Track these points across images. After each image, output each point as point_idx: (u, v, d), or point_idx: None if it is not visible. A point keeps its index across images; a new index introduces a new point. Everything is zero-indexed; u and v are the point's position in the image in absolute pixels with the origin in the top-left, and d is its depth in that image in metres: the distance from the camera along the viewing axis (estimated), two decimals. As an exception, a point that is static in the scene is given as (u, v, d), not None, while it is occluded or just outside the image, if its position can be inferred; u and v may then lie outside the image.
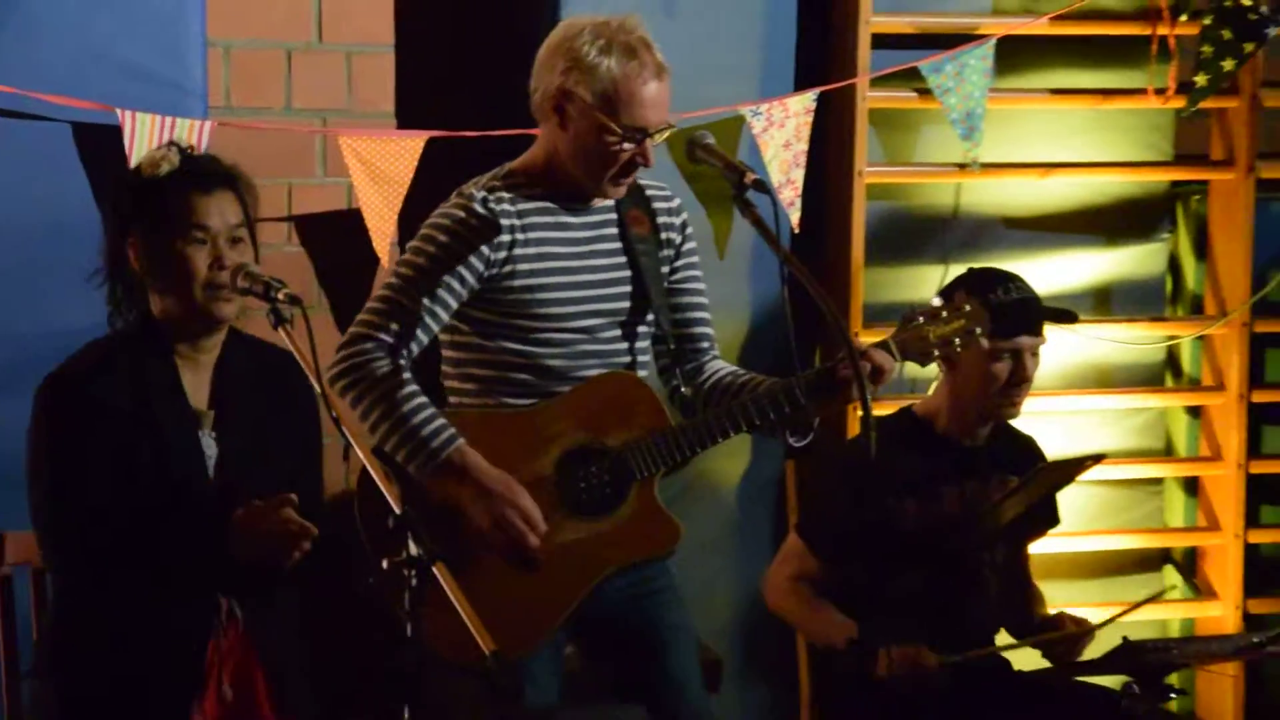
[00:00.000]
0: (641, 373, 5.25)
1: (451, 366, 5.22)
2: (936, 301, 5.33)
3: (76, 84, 5.91)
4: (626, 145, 5.01)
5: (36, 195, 5.87)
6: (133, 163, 5.55)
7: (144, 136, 5.79)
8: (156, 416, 4.86)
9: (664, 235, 5.26)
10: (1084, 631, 5.66)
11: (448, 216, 5.07)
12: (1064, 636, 5.67)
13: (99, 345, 4.94)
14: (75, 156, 5.93)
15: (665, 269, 5.26)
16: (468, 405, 5.16)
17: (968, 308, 5.19)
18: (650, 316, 5.24)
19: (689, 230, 5.33)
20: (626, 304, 5.21)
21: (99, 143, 5.89)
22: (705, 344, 5.34)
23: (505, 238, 5.04)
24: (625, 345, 5.25)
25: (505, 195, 5.10)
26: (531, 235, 5.09)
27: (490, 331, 5.14)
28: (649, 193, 5.26)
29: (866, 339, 6.33)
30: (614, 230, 5.21)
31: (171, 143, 5.06)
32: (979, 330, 5.20)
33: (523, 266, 5.08)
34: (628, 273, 5.21)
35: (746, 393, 5.15)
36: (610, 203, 5.20)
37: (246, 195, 4.92)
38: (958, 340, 5.17)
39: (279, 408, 5.01)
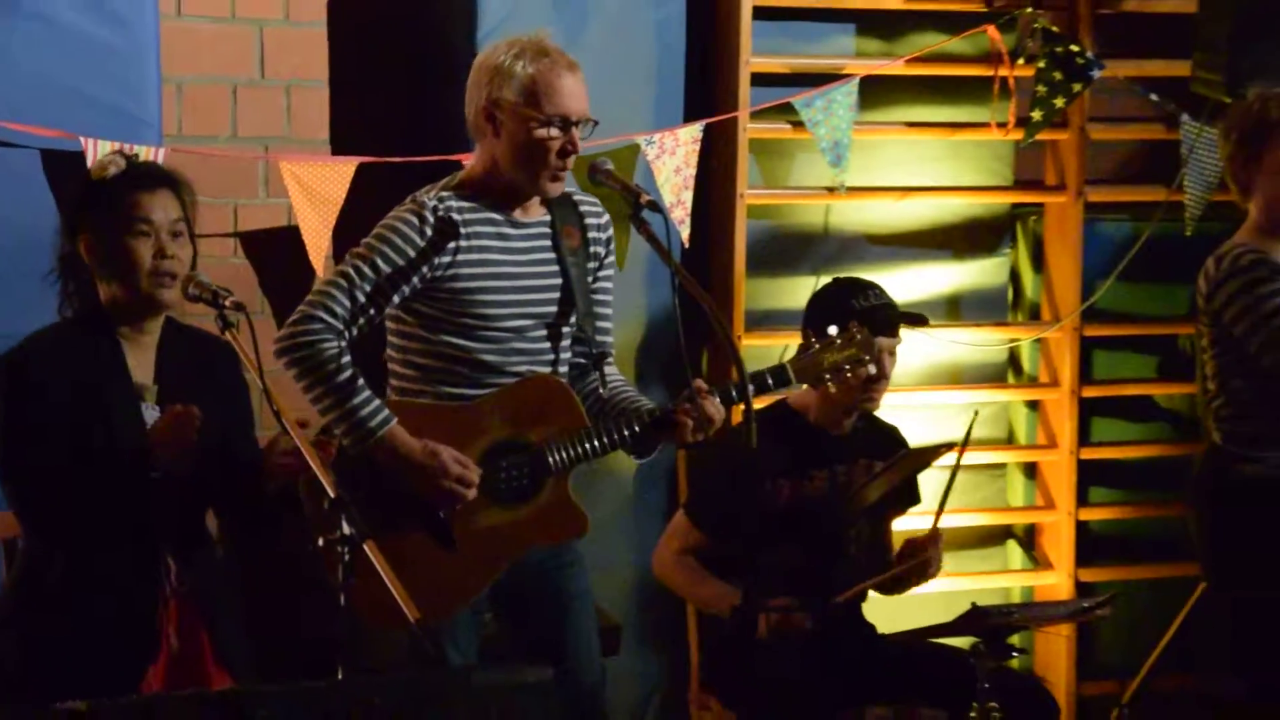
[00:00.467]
0: (561, 370, 5.21)
1: (396, 353, 5.17)
2: (832, 330, 5.30)
3: (45, 115, 5.85)
4: (554, 133, 4.99)
5: (5, 214, 5.80)
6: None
7: (103, 158, 5.65)
8: (102, 389, 4.82)
9: (592, 248, 5.23)
10: (929, 542, 5.70)
11: (400, 218, 5.03)
12: (914, 555, 5.73)
13: (46, 331, 4.94)
14: (43, 180, 5.83)
15: (590, 279, 5.21)
16: (410, 394, 5.13)
17: (859, 337, 5.25)
18: (574, 320, 5.18)
19: (612, 245, 5.29)
20: (555, 309, 5.16)
21: (65, 168, 5.80)
22: (603, 350, 5.28)
23: (451, 242, 5.01)
24: (550, 345, 5.19)
25: (454, 203, 5.05)
26: (475, 242, 5.05)
27: (432, 325, 5.08)
28: (582, 208, 5.23)
29: (749, 342, 6.51)
30: (548, 242, 5.16)
31: (118, 151, 5.18)
32: (867, 358, 5.27)
33: (465, 270, 5.03)
34: (558, 280, 5.16)
35: (621, 411, 5.18)
36: (546, 216, 5.16)
37: (185, 195, 4.90)
38: (848, 366, 5.23)
39: (214, 385, 4.97)
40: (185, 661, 4.81)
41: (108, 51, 5.95)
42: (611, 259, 5.30)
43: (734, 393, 5.06)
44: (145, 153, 5.75)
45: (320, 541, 4.31)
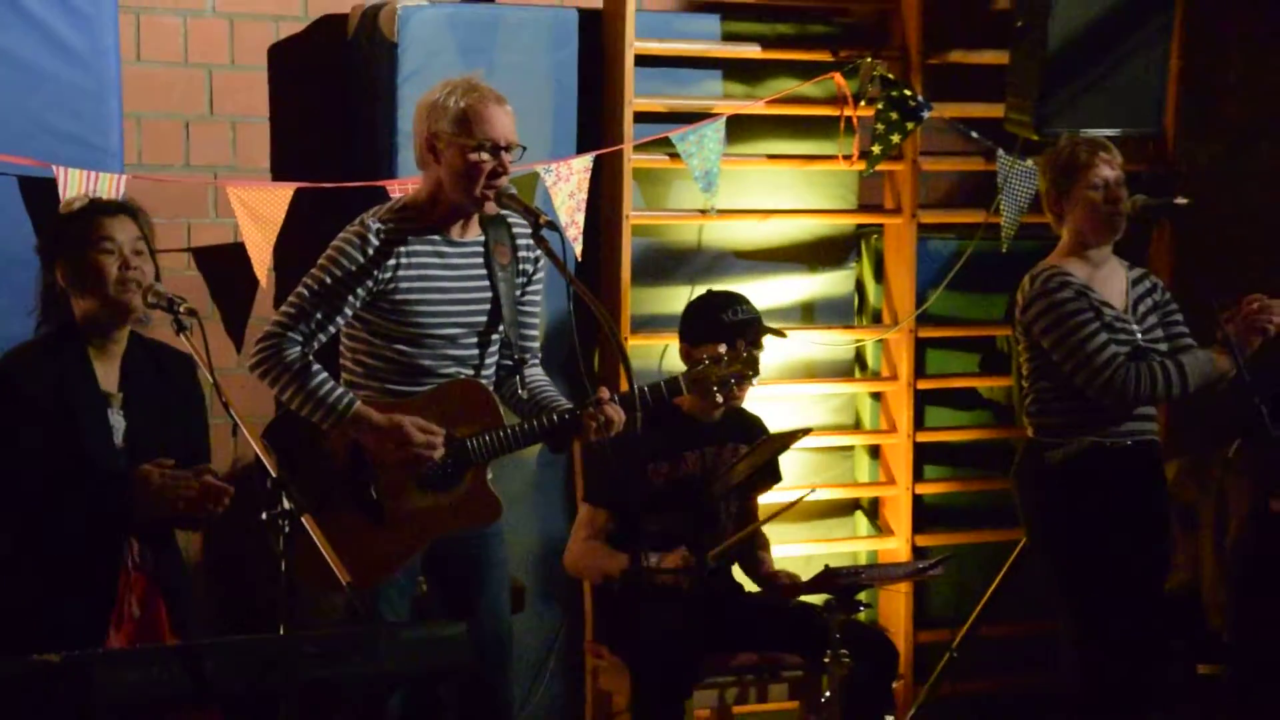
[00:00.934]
0: (486, 373, 5.23)
1: (347, 353, 5.20)
2: (722, 349, 5.42)
3: (20, 147, 5.80)
4: (485, 157, 5.02)
5: None
6: (61, 209, 5.44)
7: (74, 187, 5.72)
8: (71, 397, 4.80)
9: (521, 265, 5.25)
10: (791, 585, 5.70)
11: (347, 239, 5.08)
12: (779, 587, 5.75)
13: (23, 345, 4.93)
14: (20, 205, 5.78)
15: (518, 292, 5.23)
16: (356, 388, 5.13)
17: (744, 356, 5.35)
18: (502, 329, 5.20)
19: (541, 263, 5.30)
20: (484, 319, 5.18)
21: (39, 192, 5.76)
22: (530, 356, 5.33)
23: (391, 260, 5.04)
24: (479, 351, 5.20)
25: (394, 226, 5.08)
26: (414, 260, 5.08)
27: (376, 330, 5.11)
28: (515, 230, 5.24)
29: (634, 342, 6.52)
30: (481, 259, 5.18)
31: (85, 194, 5.39)
32: (751, 374, 5.37)
33: (404, 284, 5.06)
34: (489, 294, 5.17)
35: (538, 409, 5.22)
36: (480, 236, 5.18)
37: (142, 220, 4.92)
38: (733, 380, 5.33)
39: (173, 392, 4.98)
40: (145, 627, 4.78)
41: (76, 90, 5.89)
42: (540, 275, 5.32)
43: (630, 398, 4.98)
44: (109, 179, 5.76)
45: (264, 515, 4.32)
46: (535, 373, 5.33)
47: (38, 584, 4.74)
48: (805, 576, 5.62)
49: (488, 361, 5.22)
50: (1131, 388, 5.45)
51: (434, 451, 5.00)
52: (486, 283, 5.17)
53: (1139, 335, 5.57)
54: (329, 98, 6.57)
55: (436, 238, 5.13)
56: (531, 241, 5.21)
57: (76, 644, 4.45)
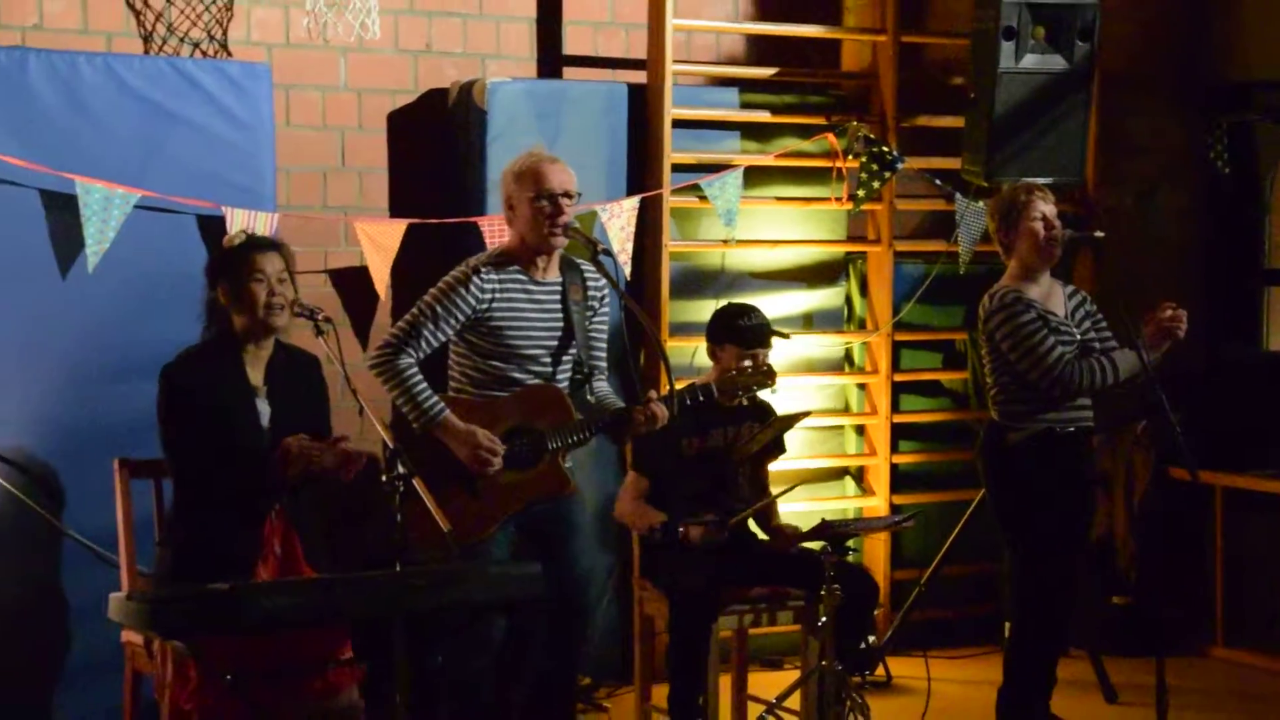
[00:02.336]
0: (560, 383, 5.23)
1: (454, 366, 5.20)
2: (747, 363, 5.40)
3: (198, 192, 5.83)
4: (545, 205, 5.04)
5: (172, 258, 5.75)
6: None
7: (238, 223, 5.74)
8: (229, 389, 4.84)
9: (590, 302, 5.25)
10: (793, 535, 5.61)
11: (456, 279, 5.12)
12: (784, 538, 5.65)
13: (194, 348, 4.93)
14: (197, 236, 5.82)
15: (585, 323, 5.23)
16: (461, 392, 5.15)
17: (765, 368, 5.36)
18: (572, 351, 5.20)
19: (607, 300, 5.31)
20: (557, 342, 5.19)
21: (212, 228, 5.80)
22: (597, 372, 5.32)
23: (488, 295, 5.07)
24: (552, 368, 5.20)
25: (492, 269, 5.12)
26: (506, 295, 5.10)
27: (475, 349, 5.14)
28: (586, 275, 5.26)
29: (671, 344, 6.52)
30: (558, 296, 5.19)
31: (241, 230, 5.35)
32: (770, 382, 5.38)
33: (497, 314, 5.09)
34: (562, 323, 5.18)
35: (601, 411, 5.23)
36: (559, 278, 5.20)
37: (285, 253, 4.93)
38: (754, 387, 5.35)
39: (304, 385, 5.00)
40: (285, 562, 4.77)
41: (240, 149, 5.92)
42: (605, 310, 5.31)
43: (671, 399, 5.11)
44: (265, 217, 5.79)
45: (383, 478, 4.33)
46: (602, 384, 5.32)
47: (208, 530, 4.75)
48: (805, 528, 5.57)
49: (560, 374, 5.20)
50: (1075, 380, 5.39)
51: (492, 459, 4.99)
52: (561, 314, 5.17)
53: (1078, 337, 5.52)
54: (433, 153, 6.55)
55: (523, 277, 5.14)
56: (600, 283, 5.25)
57: (235, 575, 4.51)
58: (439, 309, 5.06)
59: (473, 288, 5.05)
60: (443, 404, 5.01)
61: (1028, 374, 5.44)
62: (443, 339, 5.10)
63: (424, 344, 5.06)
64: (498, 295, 5.07)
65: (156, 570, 4.88)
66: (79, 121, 5.66)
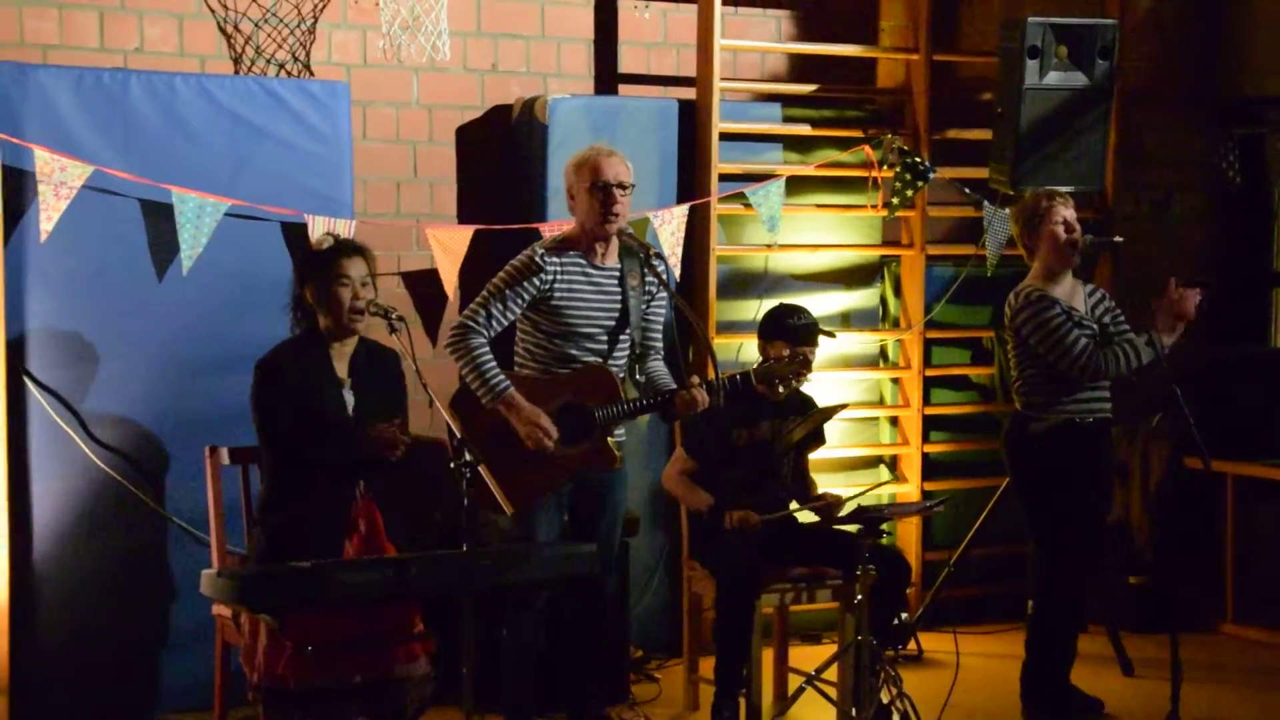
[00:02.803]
0: (616, 361, 5.18)
1: (519, 344, 5.18)
2: (785, 352, 5.37)
3: (282, 200, 5.84)
4: (599, 191, 5.03)
5: (259, 261, 5.76)
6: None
7: (319, 229, 5.72)
8: (318, 381, 4.85)
9: (646, 288, 5.20)
10: (836, 501, 5.61)
11: (520, 262, 5.08)
12: (825, 504, 5.64)
13: (286, 342, 4.95)
14: (282, 240, 5.82)
15: (643, 307, 5.19)
16: (525, 369, 5.13)
17: (801, 359, 5.32)
18: (628, 332, 5.16)
19: (662, 290, 5.25)
20: (614, 323, 5.14)
21: (295, 233, 5.81)
22: (652, 352, 5.27)
23: (549, 277, 5.03)
24: (608, 347, 5.15)
25: (554, 253, 5.08)
26: (566, 277, 5.06)
27: (538, 327, 5.10)
28: (643, 268, 5.20)
29: (718, 340, 6.49)
30: (616, 280, 5.15)
31: (329, 232, 5.20)
32: (805, 372, 5.36)
33: (559, 295, 5.05)
34: (619, 306, 5.14)
35: (649, 390, 5.20)
36: (618, 264, 5.15)
37: (369, 257, 4.93)
38: (791, 376, 5.31)
39: (384, 377, 4.99)
40: (369, 539, 4.78)
41: (320, 160, 5.93)
42: (663, 295, 5.26)
43: (714, 384, 5.08)
44: (343, 224, 5.78)
45: (452, 464, 4.34)
46: (655, 364, 5.27)
47: (300, 510, 4.78)
48: (844, 513, 5.57)
49: (616, 353, 5.16)
50: (1101, 366, 5.37)
51: (547, 441, 4.95)
52: (619, 297, 5.13)
53: (1096, 331, 5.48)
54: (498, 164, 6.56)
55: (583, 262, 5.09)
56: (659, 271, 5.21)
57: (325, 552, 4.59)
58: (506, 291, 5.03)
59: (536, 270, 5.02)
60: (509, 382, 4.99)
61: (1057, 364, 5.41)
62: (510, 318, 5.07)
63: (494, 323, 5.03)
64: (559, 278, 5.04)
65: (252, 548, 4.90)
66: (175, 136, 5.69)
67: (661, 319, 5.31)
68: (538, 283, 5.02)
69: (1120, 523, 6.94)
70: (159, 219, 5.62)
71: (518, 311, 5.06)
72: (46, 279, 5.52)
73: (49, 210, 5.42)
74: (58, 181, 5.42)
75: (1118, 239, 6.05)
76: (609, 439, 5.09)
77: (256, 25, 6.02)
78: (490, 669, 4.91)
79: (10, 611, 5.39)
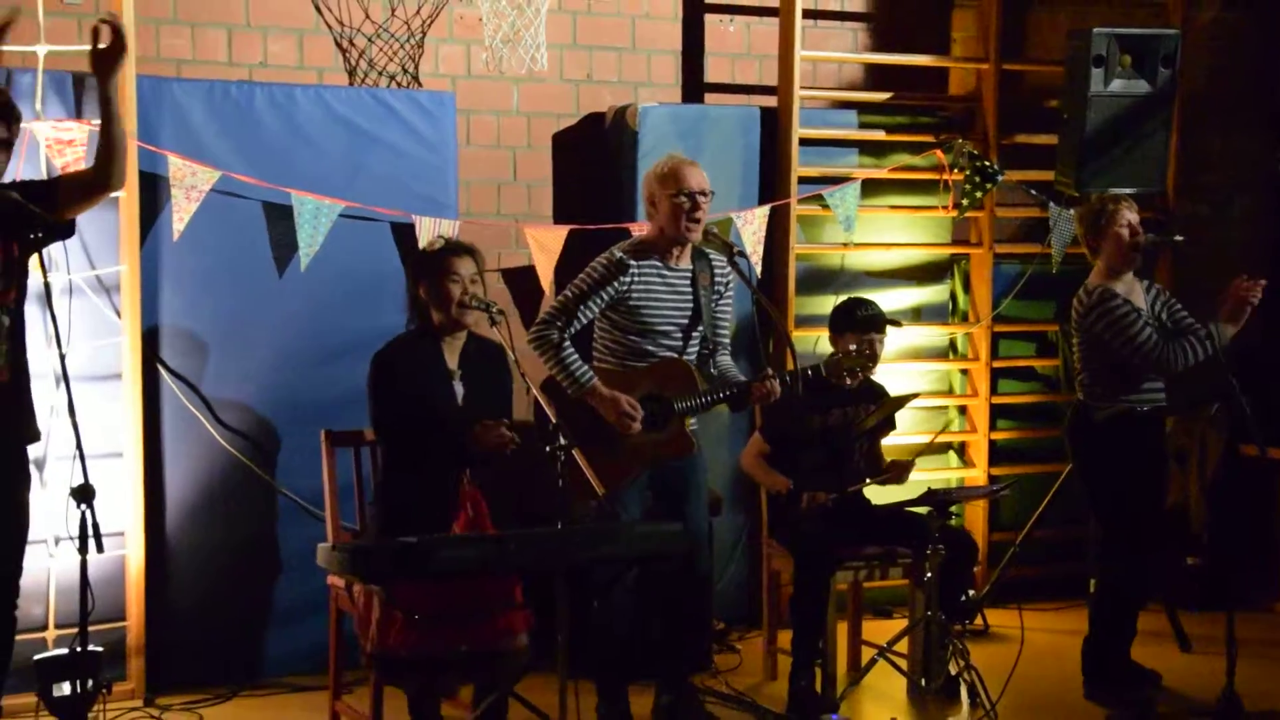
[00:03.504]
0: (689, 356, 5.17)
1: (597, 340, 5.17)
2: (852, 346, 5.34)
3: (392, 203, 5.87)
4: (684, 201, 5.01)
5: (370, 259, 5.81)
6: (420, 245, 5.56)
7: (427, 230, 5.77)
8: (430, 373, 4.86)
9: (716, 287, 5.19)
10: (906, 465, 5.63)
11: (601, 263, 5.08)
12: (895, 469, 5.64)
13: (401, 337, 4.97)
14: (392, 240, 5.85)
15: (712, 305, 5.17)
16: (603, 363, 5.12)
17: (866, 352, 5.30)
18: (700, 329, 5.15)
19: (731, 287, 5.25)
20: (687, 321, 5.14)
21: (404, 233, 5.84)
22: (721, 347, 5.25)
23: (628, 278, 5.02)
24: (683, 342, 5.15)
25: (633, 255, 5.07)
26: (643, 278, 5.06)
27: (616, 325, 5.10)
28: (713, 264, 5.20)
29: (797, 334, 6.46)
30: (689, 281, 5.14)
31: (439, 235, 5.35)
32: (871, 365, 5.34)
33: (635, 294, 5.04)
34: (691, 305, 5.13)
35: (723, 383, 5.17)
36: (689, 266, 5.14)
37: (478, 257, 4.94)
38: (858, 368, 5.29)
39: (491, 369, 4.98)
40: (475, 522, 4.80)
41: (428, 165, 5.95)
42: (730, 293, 5.25)
43: (787, 378, 5.06)
44: (448, 224, 5.81)
45: (547, 448, 4.35)
46: (725, 359, 5.24)
47: (413, 492, 4.81)
48: (913, 495, 5.51)
49: (689, 349, 5.15)
50: (1170, 359, 5.30)
51: (633, 424, 4.95)
52: (691, 297, 5.12)
53: (1156, 326, 5.42)
54: (592, 168, 6.55)
55: (659, 264, 5.09)
56: (725, 271, 5.18)
57: (435, 530, 4.61)
58: (588, 291, 5.03)
59: (617, 272, 5.02)
60: (592, 373, 4.99)
61: (1130, 358, 5.34)
62: (591, 316, 5.07)
63: (575, 321, 5.03)
64: (637, 279, 5.03)
65: (369, 525, 4.95)
66: (295, 143, 5.73)
67: (729, 316, 5.30)
68: (618, 284, 5.01)
69: (1179, 506, 6.87)
70: (279, 220, 5.67)
71: (598, 310, 5.05)
72: (178, 276, 5.59)
73: (180, 212, 5.48)
74: (189, 185, 5.49)
75: (1178, 238, 5.94)
76: (686, 427, 5.08)
77: (370, 40, 6.06)
78: (583, 639, 4.92)
79: (145, 579, 5.48)
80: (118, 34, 4.36)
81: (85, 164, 5.26)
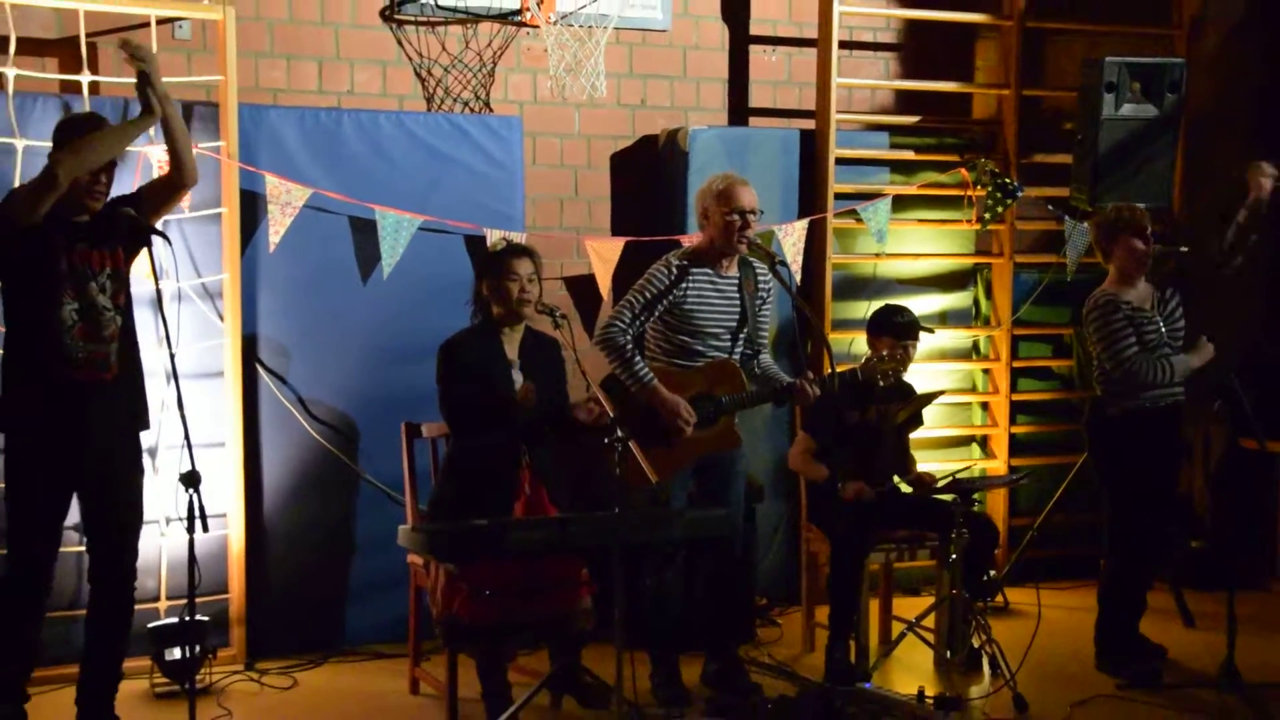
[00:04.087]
0: (735, 357, 5.19)
1: (651, 341, 5.17)
2: (885, 352, 5.33)
3: (466, 216, 5.89)
4: (735, 218, 5.02)
5: (446, 268, 5.82)
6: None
7: (495, 239, 5.71)
8: (491, 363, 4.89)
9: (759, 293, 5.21)
10: (931, 482, 5.62)
11: (658, 269, 5.11)
12: (921, 484, 5.64)
13: (464, 330, 5.01)
14: (464, 249, 5.87)
15: (756, 309, 5.19)
16: (656, 363, 5.11)
17: (899, 355, 5.27)
18: (745, 331, 5.17)
19: (772, 293, 5.28)
20: (735, 324, 5.15)
21: (476, 243, 5.86)
22: (763, 348, 5.29)
23: (682, 284, 5.04)
24: (730, 344, 5.16)
25: (686, 262, 5.09)
26: (694, 284, 5.07)
27: (670, 326, 5.11)
28: (756, 271, 5.22)
29: (833, 336, 6.43)
30: (736, 287, 5.15)
31: (502, 236, 5.39)
32: (903, 368, 5.31)
33: (689, 300, 5.06)
34: (738, 309, 5.14)
35: (766, 381, 5.20)
36: (737, 274, 5.15)
37: (535, 259, 4.97)
38: (891, 372, 5.25)
39: (546, 360, 5.03)
40: (534, 502, 4.84)
41: (497, 183, 5.97)
42: (771, 300, 5.27)
43: (832, 378, 5.10)
44: (516, 236, 5.80)
45: (605, 439, 4.37)
46: (766, 359, 5.29)
47: (474, 475, 4.84)
48: (940, 484, 5.54)
49: (736, 350, 5.18)
50: (1140, 373, 5.31)
51: (687, 426, 4.97)
52: (738, 302, 5.14)
53: (1162, 327, 5.41)
54: (646, 185, 6.58)
55: (710, 271, 5.11)
56: (768, 278, 5.20)
57: (497, 510, 4.66)
58: (646, 294, 5.05)
59: (671, 276, 5.04)
60: (653, 374, 4.99)
61: (1105, 364, 5.35)
62: (649, 318, 5.07)
63: (636, 323, 5.04)
64: (689, 283, 5.05)
65: (434, 504, 4.97)
66: (378, 163, 5.79)
67: (769, 320, 5.33)
68: (676, 291, 5.03)
69: (1184, 493, 6.84)
70: (364, 233, 5.73)
71: (656, 313, 5.06)
72: (273, 283, 5.67)
73: (276, 226, 5.55)
74: (284, 202, 5.55)
75: (1183, 248, 5.94)
76: (734, 423, 5.12)
77: (446, 70, 6.11)
78: (639, 614, 4.95)
79: (245, 556, 5.56)
80: (133, 53, 4.47)
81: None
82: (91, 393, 4.42)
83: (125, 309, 4.53)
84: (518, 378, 4.91)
